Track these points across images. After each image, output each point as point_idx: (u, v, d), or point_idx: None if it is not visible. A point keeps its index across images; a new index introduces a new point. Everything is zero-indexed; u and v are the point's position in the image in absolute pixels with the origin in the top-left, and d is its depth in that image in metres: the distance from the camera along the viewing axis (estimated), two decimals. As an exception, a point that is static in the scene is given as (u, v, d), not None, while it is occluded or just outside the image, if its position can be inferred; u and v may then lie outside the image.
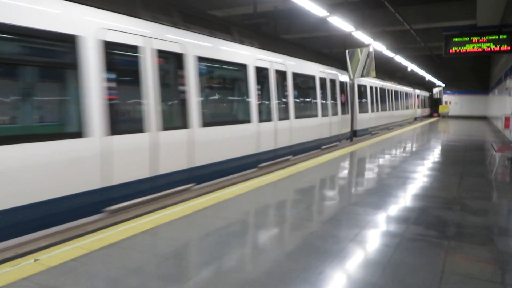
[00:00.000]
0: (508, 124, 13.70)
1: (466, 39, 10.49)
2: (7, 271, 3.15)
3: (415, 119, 31.58)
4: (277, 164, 9.04)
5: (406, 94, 27.95)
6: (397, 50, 19.98)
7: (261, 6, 13.97)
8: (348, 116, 14.75)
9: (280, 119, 9.46)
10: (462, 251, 3.67)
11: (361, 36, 12.57)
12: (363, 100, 17.05)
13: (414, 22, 15.88)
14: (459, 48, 10.60)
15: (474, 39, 10.39)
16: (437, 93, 39.16)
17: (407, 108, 28.02)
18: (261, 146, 8.63)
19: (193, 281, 3.01)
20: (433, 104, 40.66)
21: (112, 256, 3.48)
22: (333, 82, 12.97)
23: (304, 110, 11.10)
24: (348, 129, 14.68)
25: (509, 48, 10.04)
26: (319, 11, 9.02)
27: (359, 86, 16.36)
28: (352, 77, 13.40)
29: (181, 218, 4.60)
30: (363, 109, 16.82)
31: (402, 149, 11.46)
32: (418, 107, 33.36)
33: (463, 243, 3.87)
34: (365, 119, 17.03)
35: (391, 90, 22.75)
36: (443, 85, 38.93)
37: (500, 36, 10.12)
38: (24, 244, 3.77)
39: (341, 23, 10.67)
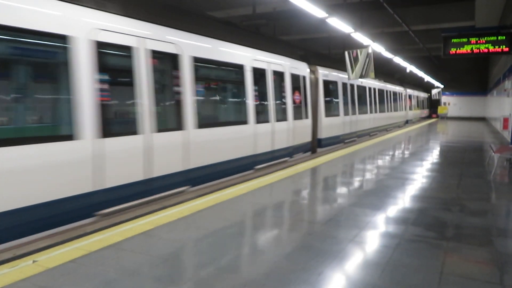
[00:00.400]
0: (506, 125, 13.73)
1: (465, 40, 10.51)
2: (5, 272, 3.14)
3: (406, 122, 28.23)
4: (138, 208, 5.25)
5: (395, 94, 24.10)
6: (396, 51, 20.01)
7: (260, 7, 13.99)
8: (307, 121, 11.09)
9: (162, 129, 5.91)
10: (461, 252, 3.67)
11: (360, 37, 12.59)
12: (333, 101, 13.53)
13: (413, 23, 15.92)
14: (458, 49, 10.62)
15: (473, 40, 10.41)
16: (435, 94, 39.19)
17: (395, 110, 24.09)
18: (107, 178, 5.05)
19: (192, 282, 3.01)
20: (432, 105, 40.71)
21: (111, 257, 3.47)
22: (279, 75, 9.56)
23: (221, 115, 7.88)
24: (306, 139, 11.06)
25: (507, 49, 10.07)
26: (318, 12, 9.03)
27: (327, 83, 12.80)
28: (350, 78, 12.94)
29: (179, 219, 4.60)
30: (332, 111, 13.31)
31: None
32: (410, 108, 29.63)
33: (462, 244, 3.88)
34: (335, 125, 13.40)
35: (374, 89, 18.96)
36: (442, 86, 39.01)
37: (499, 37, 10.15)
38: (22, 245, 3.76)
39: (340, 24, 10.69)
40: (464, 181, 6.97)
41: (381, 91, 20.42)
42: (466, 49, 10.53)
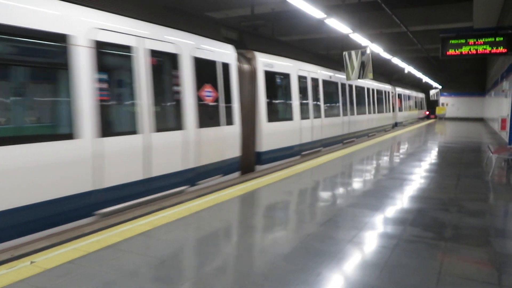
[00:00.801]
0: (504, 126, 13.77)
1: (463, 41, 10.54)
2: (3, 273, 3.13)
3: (395, 125, 24.88)
4: None
5: (379, 92, 20.38)
6: (394, 52, 20.06)
7: (259, 8, 14.00)
8: (232, 128, 7.73)
9: None
10: (459, 253, 3.68)
11: (359, 38, 12.62)
12: (283, 100, 10.16)
13: (411, 24, 15.96)
14: (456, 50, 10.65)
15: (471, 41, 10.44)
16: (434, 95, 39.29)
17: (380, 111, 20.31)
18: None
19: (191, 283, 3.01)
20: (430, 106, 40.80)
21: (109, 258, 3.47)
22: (169, 59, 6.25)
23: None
24: (230, 154, 7.66)
25: (505, 50, 10.10)
26: (316, 13, 9.04)
27: (272, 76, 9.48)
28: (349, 79, 12.84)
29: (178, 220, 4.60)
30: (280, 115, 9.95)
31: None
32: (399, 110, 26.11)
33: (460, 245, 3.88)
34: (285, 132, 10.03)
35: (350, 86, 15.52)
36: (440, 87, 39.14)
37: (496, 38, 10.18)
38: (20, 246, 3.75)
39: (338, 25, 10.71)
40: (462, 182, 6.99)
41: (359, 89, 16.91)
42: (464, 50, 10.56)
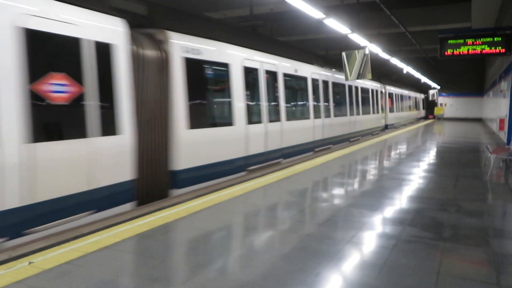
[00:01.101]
0: (502, 126, 13.80)
1: (461, 41, 10.57)
2: (1, 274, 3.12)
3: (386, 127, 22.62)
4: None
5: (364, 91, 17.89)
6: (392, 53, 20.07)
7: (258, 9, 14.01)
8: (116, 140, 5.24)
9: None
10: (458, 253, 3.68)
11: (357, 38, 12.63)
12: (215, 99, 7.60)
13: (410, 24, 15.99)
14: (454, 50, 10.68)
15: (469, 41, 10.48)
16: (432, 95, 39.35)
17: (365, 112, 17.86)
18: None
19: (189, 284, 3.00)
20: (429, 106, 40.87)
21: (108, 258, 3.46)
22: None
23: None
24: (109, 179, 5.15)
25: (503, 50, 10.14)
26: (315, 13, 9.05)
27: (198, 66, 7.02)
28: (349, 78, 12.75)
29: (176, 221, 4.59)
30: (212, 118, 7.41)
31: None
32: (391, 110, 23.65)
33: (458, 245, 3.88)
34: (220, 142, 7.43)
35: (325, 82, 13.07)
36: (439, 87, 39.24)
37: (495, 39, 10.22)
38: (18, 247, 3.74)
39: (337, 25, 10.71)
40: (460, 182, 6.99)
41: (339, 86, 14.41)
42: (462, 50, 10.60)
